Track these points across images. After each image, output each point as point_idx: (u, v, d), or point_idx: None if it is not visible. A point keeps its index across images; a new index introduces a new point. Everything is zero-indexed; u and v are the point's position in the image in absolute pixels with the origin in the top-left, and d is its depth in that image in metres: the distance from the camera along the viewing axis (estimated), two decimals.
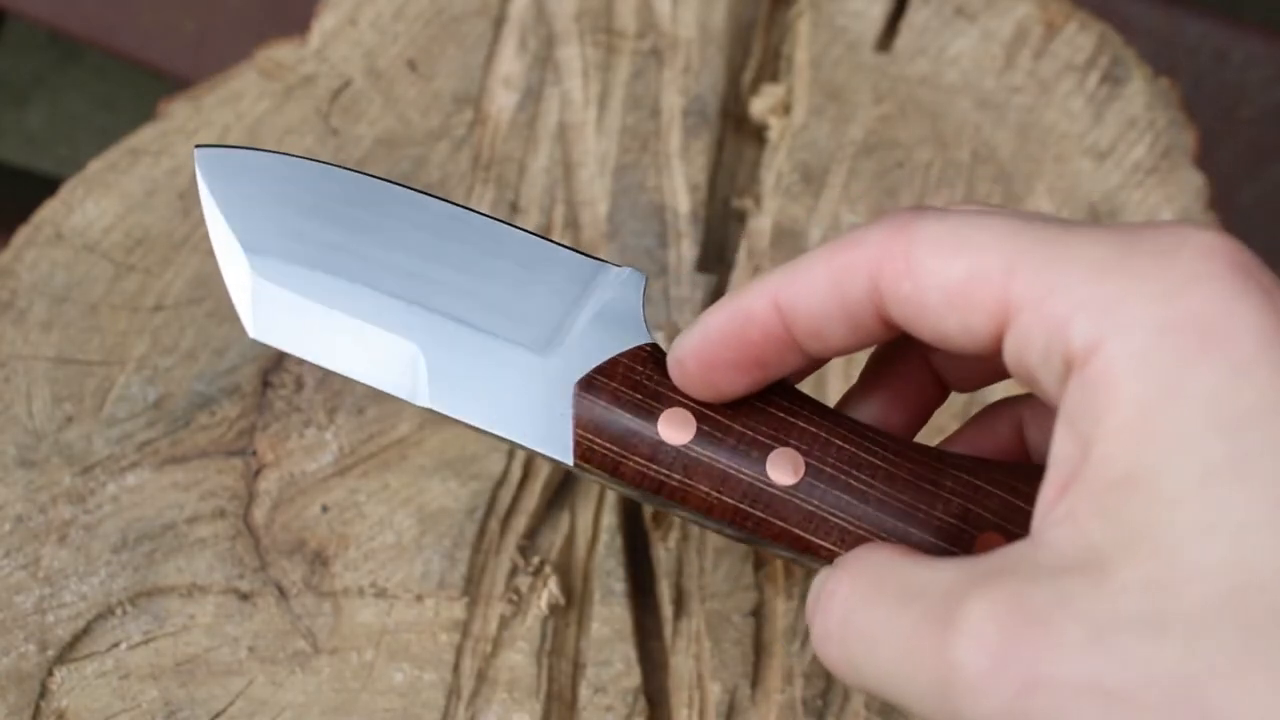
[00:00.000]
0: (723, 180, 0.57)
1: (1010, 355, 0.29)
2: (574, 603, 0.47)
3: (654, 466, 0.34)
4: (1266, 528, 0.24)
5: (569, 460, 0.34)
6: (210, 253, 0.53)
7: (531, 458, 0.48)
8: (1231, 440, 0.25)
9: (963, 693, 0.25)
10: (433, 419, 0.49)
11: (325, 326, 0.36)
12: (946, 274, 0.29)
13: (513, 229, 0.36)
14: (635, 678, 0.45)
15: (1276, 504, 0.24)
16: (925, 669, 0.26)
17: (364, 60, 0.58)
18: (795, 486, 0.33)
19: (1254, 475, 0.24)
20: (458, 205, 0.37)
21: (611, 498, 0.48)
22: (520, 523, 0.47)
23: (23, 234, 0.53)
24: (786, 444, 0.33)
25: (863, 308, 0.31)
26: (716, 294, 0.53)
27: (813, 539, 0.33)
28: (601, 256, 0.39)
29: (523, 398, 0.35)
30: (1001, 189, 0.55)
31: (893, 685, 0.28)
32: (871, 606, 0.29)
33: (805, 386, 0.48)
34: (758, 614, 0.46)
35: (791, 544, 0.33)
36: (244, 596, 0.46)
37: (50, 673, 0.44)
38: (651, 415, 0.34)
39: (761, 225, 0.55)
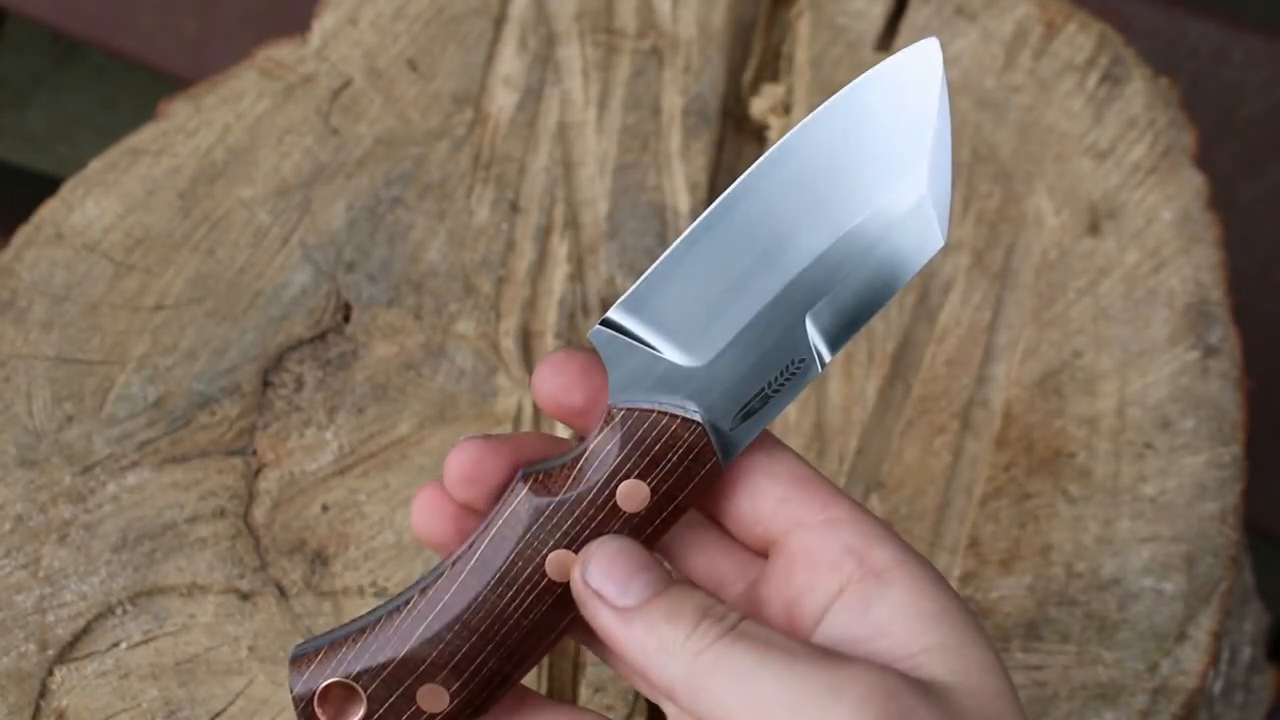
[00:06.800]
0: (723, 180, 0.57)
1: None
2: None
3: None
4: None
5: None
6: (210, 252, 0.53)
7: None
8: None
9: None
10: (432, 418, 0.49)
11: None
12: None
13: None
14: None
15: None
16: None
17: (364, 60, 0.58)
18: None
19: None
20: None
21: None
22: None
23: (23, 234, 0.53)
24: None
25: None
26: None
27: None
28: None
29: None
30: (1001, 188, 0.55)
31: None
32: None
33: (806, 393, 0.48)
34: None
35: None
36: (244, 596, 0.46)
37: (50, 672, 0.44)
38: None
39: None
